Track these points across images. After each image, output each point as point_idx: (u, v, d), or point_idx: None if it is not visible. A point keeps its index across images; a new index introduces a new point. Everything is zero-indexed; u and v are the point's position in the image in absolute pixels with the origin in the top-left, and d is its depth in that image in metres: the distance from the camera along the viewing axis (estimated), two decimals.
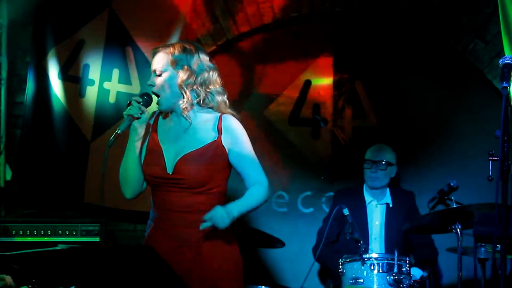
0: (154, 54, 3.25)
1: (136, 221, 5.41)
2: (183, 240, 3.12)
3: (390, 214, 4.91)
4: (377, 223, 4.92)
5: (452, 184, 4.56)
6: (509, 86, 2.92)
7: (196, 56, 3.19)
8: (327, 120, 5.68)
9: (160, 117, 3.29)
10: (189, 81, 3.16)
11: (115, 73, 5.28)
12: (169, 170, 3.13)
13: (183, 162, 3.12)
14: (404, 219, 4.82)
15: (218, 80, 3.23)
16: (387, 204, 4.94)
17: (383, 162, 4.92)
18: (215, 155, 3.13)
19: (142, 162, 3.24)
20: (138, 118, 3.16)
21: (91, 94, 5.27)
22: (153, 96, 3.24)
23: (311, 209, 5.65)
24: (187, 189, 3.11)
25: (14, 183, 5.30)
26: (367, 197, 4.97)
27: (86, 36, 5.26)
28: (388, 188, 4.99)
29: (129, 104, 3.18)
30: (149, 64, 5.20)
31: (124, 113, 3.17)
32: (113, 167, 5.41)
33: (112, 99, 5.27)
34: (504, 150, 2.81)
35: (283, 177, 5.62)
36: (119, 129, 3.16)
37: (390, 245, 4.76)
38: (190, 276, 3.06)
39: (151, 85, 3.21)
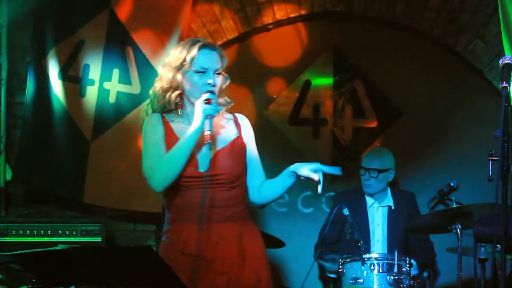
0: (208, 49, 3.21)
1: (136, 221, 5.41)
2: (224, 235, 3.13)
3: (393, 216, 4.91)
4: (379, 225, 4.92)
5: (452, 184, 4.55)
6: (509, 86, 2.92)
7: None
8: (327, 120, 5.69)
9: (178, 117, 3.25)
10: (224, 86, 3.25)
11: (115, 73, 5.27)
12: (202, 168, 3.13)
13: (218, 158, 3.15)
14: (407, 220, 4.82)
15: None
16: (389, 206, 4.94)
17: (375, 170, 4.92)
18: (242, 150, 3.22)
19: None
20: (214, 117, 3.13)
21: (91, 94, 5.26)
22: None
23: (311, 209, 5.65)
24: (223, 184, 3.14)
25: (14, 183, 5.29)
26: (369, 200, 4.97)
27: (86, 36, 5.26)
28: (389, 190, 4.99)
29: (208, 102, 3.13)
30: (149, 64, 5.26)
31: (203, 112, 3.08)
32: (113, 168, 5.42)
33: (112, 99, 5.27)
34: (504, 150, 2.81)
35: None
36: (210, 130, 3.08)
37: (393, 247, 4.76)
38: (236, 269, 3.12)
39: (210, 83, 3.18)
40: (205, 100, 3.12)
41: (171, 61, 3.22)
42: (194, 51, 3.18)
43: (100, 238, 4.88)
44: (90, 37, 5.26)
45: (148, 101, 3.34)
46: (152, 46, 5.26)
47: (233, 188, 3.16)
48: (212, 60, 3.19)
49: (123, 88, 5.28)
